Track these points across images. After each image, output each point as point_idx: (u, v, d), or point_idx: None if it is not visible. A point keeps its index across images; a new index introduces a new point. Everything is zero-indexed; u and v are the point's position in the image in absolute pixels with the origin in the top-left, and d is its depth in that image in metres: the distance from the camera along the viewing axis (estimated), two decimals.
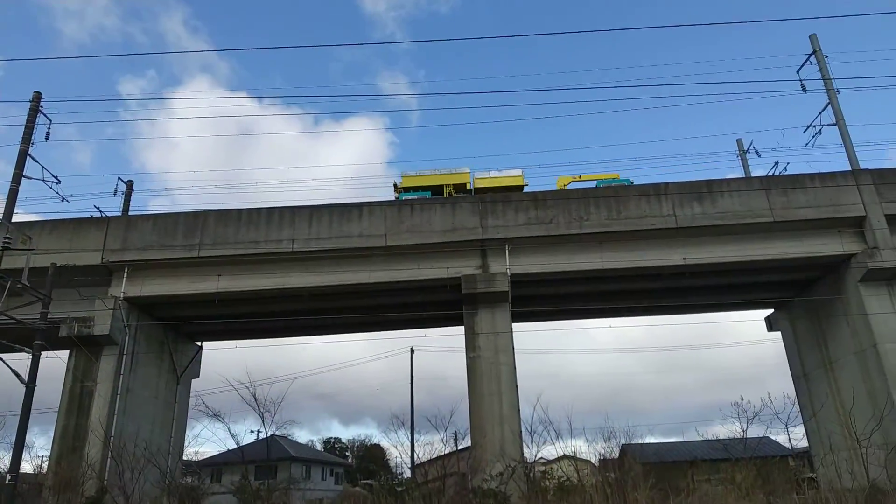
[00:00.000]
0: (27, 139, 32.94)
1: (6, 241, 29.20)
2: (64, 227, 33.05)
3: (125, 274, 32.62)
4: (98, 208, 39.84)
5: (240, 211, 33.05)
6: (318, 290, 32.28)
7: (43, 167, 33.33)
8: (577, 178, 35.71)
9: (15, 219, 34.34)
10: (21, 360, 29.62)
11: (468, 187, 35.45)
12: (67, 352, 32.03)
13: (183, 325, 36.20)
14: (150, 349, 34.11)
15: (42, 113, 33.20)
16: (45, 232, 32.90)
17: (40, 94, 33.33)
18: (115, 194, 39.52)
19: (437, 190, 34.90)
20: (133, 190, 40.06)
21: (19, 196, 32.59)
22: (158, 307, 33.96)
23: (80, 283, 32.16)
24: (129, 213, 39.15)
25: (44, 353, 28.04)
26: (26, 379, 27.94)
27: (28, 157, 32.74)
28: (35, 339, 28.33)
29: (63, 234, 32.79)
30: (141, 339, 33.43)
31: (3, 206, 31.98)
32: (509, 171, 35.84)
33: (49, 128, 33.53)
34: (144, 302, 33.24)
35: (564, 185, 35.47)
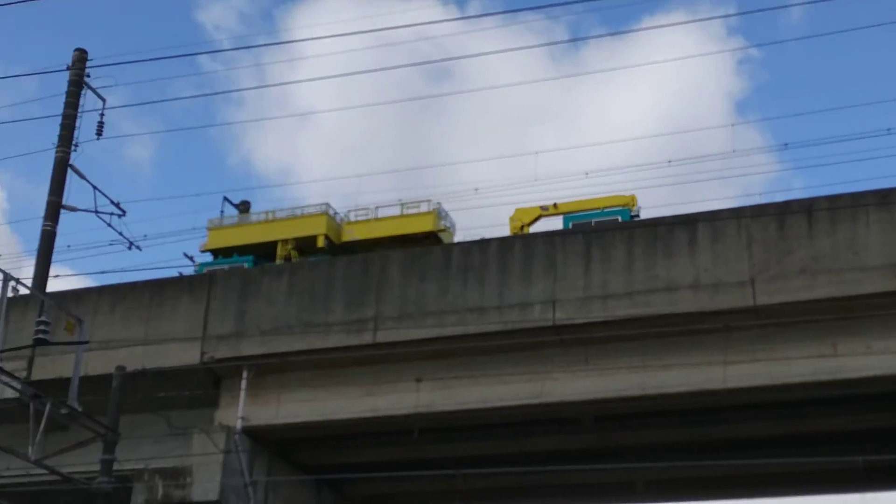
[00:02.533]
0: (67, 139, 23.26)
1: (40, 330, 19.09)
2: (135, 296, 23.12)
3: (243, 384, 21.91)
4: (190, 257, 29.93)
5: (446, 249, 22.00)
6: (615, 406, 20.58)
7: (95, 187, 23.71)
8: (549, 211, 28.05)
9: (51, 286, 24.73)
10: None
11: None
12: None
13: (352, 483, 25.19)
14: None
15: (89, 87, 23.34)
16: (103, 308, 23.00)
17: (85, 52, 23.41)
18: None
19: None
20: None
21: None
22: (305, 447, 23.38)
23: (165, 402, 22.00)
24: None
25: None
26: None
27: (70, 169, 23.04)
28: None
29: (134, 311, 22.92)
30: None
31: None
32: None
33: (102, 115, 23.72)
34: (279, 437, 22.44)
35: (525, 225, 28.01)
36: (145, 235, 31.26)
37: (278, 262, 29.23)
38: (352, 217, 31.13)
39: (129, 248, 30.88)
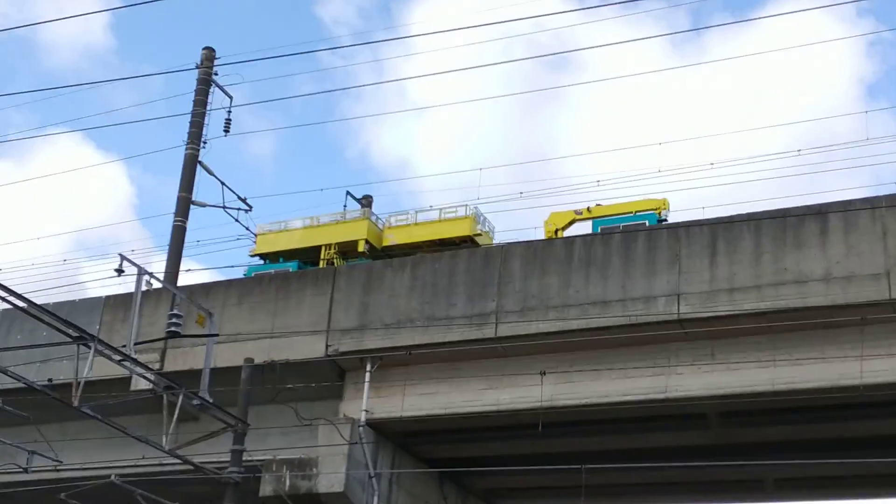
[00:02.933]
0: (196, 136, 23.83)
1: (173, 323, 19.50)
2: (261, 289, 23.42)
3: (367, 376, 22.06)
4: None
5: (567, 242, 21.71)
6: (742, 402, 20.00)
7: (223, 183, 24.12)
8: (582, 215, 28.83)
9: (182, 280, 25.27)
10: None
11: None
12: None
13: (473, 476, 25.17)
14: None
15: (217, 85, 23.89)
16: (231, 301, 23.38)
17: (213, 51, 23.95)
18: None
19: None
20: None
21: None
22: (427, 440, 23.31)
23: (292, 394, 22.23)
24: (368, 259, 28.83)
25: None
26: None
27: (199, 165, 23.61)
28: (225, 497, 19.52)
29: (260, 305, 23.20)
30: (401, 500, 22.83)
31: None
32: None
33: (230, 112, 24.23)
34: (402, 430, 22.44)
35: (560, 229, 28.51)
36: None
37: (322, 266, 29.96)
38: (392, 222, 31.71)
39: (255, 242, 31.49)
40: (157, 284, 20.10)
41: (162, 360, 22.97)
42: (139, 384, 21.90)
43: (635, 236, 20.94)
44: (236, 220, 30.34)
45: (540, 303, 20.83)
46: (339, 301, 22.51)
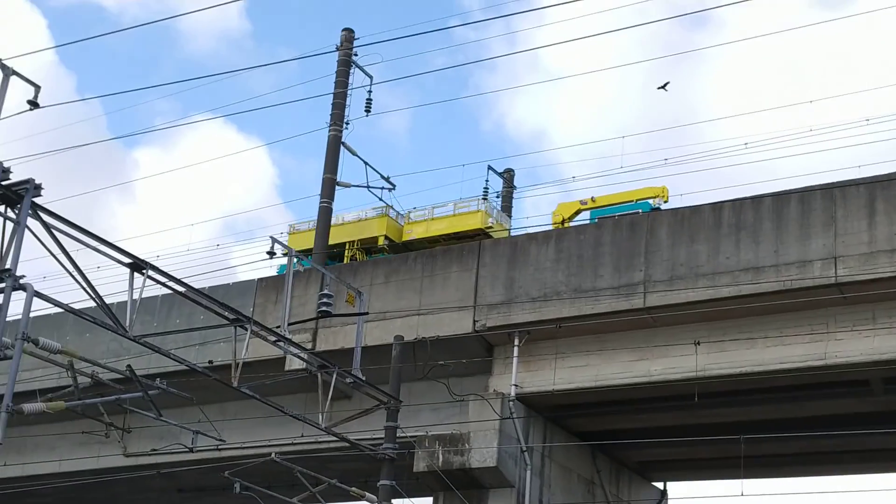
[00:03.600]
0: (339, 117, 24.14)
1: (324, 303, 19.84)
2: (407, 267, 23.60)
3: (515, 351, 22.06)
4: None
5: (716, 208, 21.17)
6: None
7: (366, 163, 24.44)
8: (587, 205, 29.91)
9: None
10: None
11: None
12: (430, 499, 22.47)
13: (626, 449, 24.87)
14: (571, 492, 23.26)
15: (357, 66, 24.14)
16: (378, 280, 23.66)
17: (352, 32, 24.24)
18: (483, 197, 29.63)
19: None
20: (514, 187, 29.96)
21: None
22: (579, 413, 23.12)
23: (441, 370, 22.41)
24: (512, 234, 28.88)
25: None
26: None
27: (343, 147, 23.95)
28: (382, 473, 19.60)
29: (407, 282, 23.39)
30: (554, 473, 22.78)
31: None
32: None
33: (370, 91, 24.48)
34: (553, 403, 22.35)
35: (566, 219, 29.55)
36: (414, 207, 31.86)
37: (345, 262, 31.41)
38: (412, 217, 33.06)
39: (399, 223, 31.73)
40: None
41: (314, 340, 23.36)
42: (293, 364, 22.39)
43: (787, 199, 20.33)
44: (380, 199, 30.69)
45: (689, 271, 20.46)
46: (485, 276, 22.52)
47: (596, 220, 26.67)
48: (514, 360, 21.98)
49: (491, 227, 31.58)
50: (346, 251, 32.76)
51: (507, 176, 35.83)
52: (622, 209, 29.06)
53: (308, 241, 31.38)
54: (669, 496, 27.80)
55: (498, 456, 21.20)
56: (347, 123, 27.26)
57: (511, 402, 21.64)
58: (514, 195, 34.67)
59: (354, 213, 33.44)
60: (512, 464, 21.60)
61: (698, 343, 20.33)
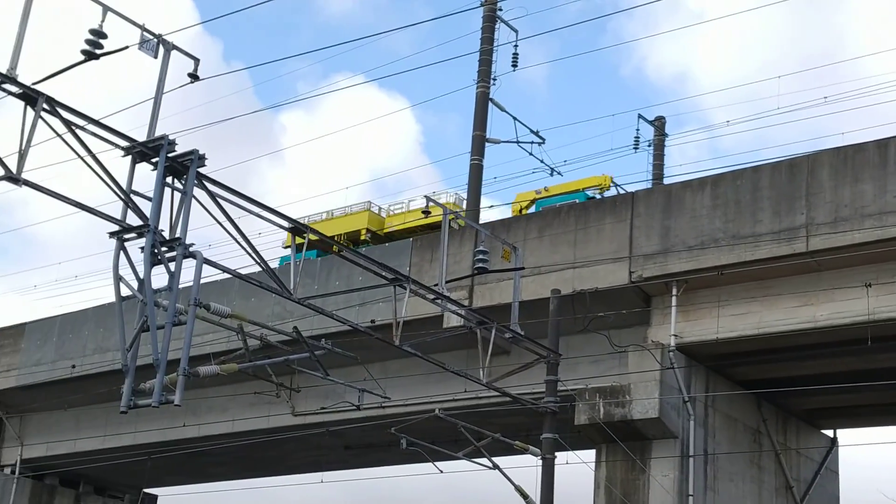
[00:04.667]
0: (486, 73, 24.04)
1: (479, 260, 19.84)
2: (560, 221, 23.38)
3: (673, 300, 21.67)
4: (615, 183, 29.85)
5: (881, 144, 20.16)
6: None
7: (514, 118, 24.36)
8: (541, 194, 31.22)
9: (482, 217, 25.74)
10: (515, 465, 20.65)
11: None
12: (593, 451, 22.33)
13: (793, 397, 24.10)
14: (737, 442, 22.75)
15: (503, 21, 23.98)
16: (531, 235, 23.51)
17: None
18: (635, 148, 29.03)
19: None
20: (666, 134, 29.20)
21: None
22: (742, 361, 22.44)
23: (598, 323, 22.21)
24: (665, 182, 28.29)
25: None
26: (534, 497, 18.97)
27: (490, 103, 23.84)
28: (544, 427, 19.67)
29: (561, 236, 23.17)
30: (718, 423, 22.34)
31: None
32: None
33: (516, 46, 24.28)
34: (714, 353, 21.89)
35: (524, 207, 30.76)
36: (565, 161, 31.79)
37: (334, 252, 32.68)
38: (392, 210, 36.66)
39: (551, 175, 31.65)
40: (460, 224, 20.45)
41: (470, 297, 23.43)
42: (451, 321, 22.56)
43: None
44: (530, 154, 30.58)
45: (854, 212, 19.67)
46: (640, 227, 22.14)
47: (541, 209, 28.12)
48: (673, 309, 21.61)
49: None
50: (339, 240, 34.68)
51: (658, 124, 35.13)
52: (569, 197, 30.23)
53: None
54: (840, 443, 27.02)
55: (660, 407, 20.89)
56: (495, 79, 27.18)
57: (671, 353, 21.30)
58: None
59: (342, 208, 37.23)
60: (674, 414, 21.29)
61: (869, 285, 19.53)
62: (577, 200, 28.91)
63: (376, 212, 36.78)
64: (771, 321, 20.82)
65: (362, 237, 36.21)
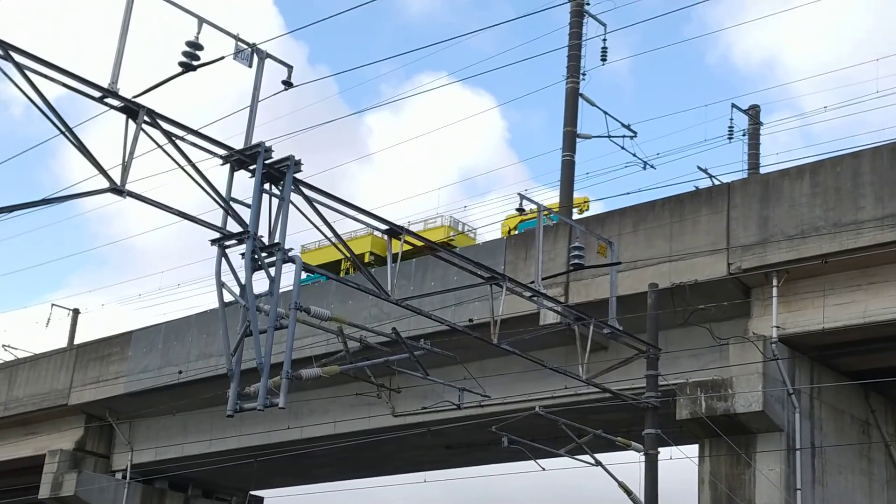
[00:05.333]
0: (575, 69, 23.89)
1: (575, 256, 19.66)
2: (655, 214, 23.02)
3: (774, 291, 21.20)
4: (706, 171, 29.34)
5: None
6: None
7: (605, 112, 24.12)
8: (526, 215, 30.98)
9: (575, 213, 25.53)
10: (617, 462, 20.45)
11: None
12: (696, 447, 21.96)
13: None
14: (845, 434, 22.13)
15: (590, 15, 23.78)
16: (626, 229, 23.21)
17: None
18: (729, 138, 28.47)
19: None
20: (761, 123, 28.62)
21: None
22: (847, 351, 21.84)
23: (697, 316, 21.80)
24: (760, 171, 27.76)
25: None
26: (639, 494, 18.77)
27: (580, 98, 23.69)
28: (645, 422, 19.49)
29: (656, 229, 22.82)
30: (824, 415, 21.77)
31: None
32: None
33: (605, 40, 24.04)
34: (818, 343, 21.33)
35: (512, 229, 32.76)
36: (657, 154, 31.44)
37: (342, 275, 35.95)
38: None
39: (644, 168, 31.20)
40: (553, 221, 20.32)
41: (566, 293, 23.24)
42: (547, 318, 22.42)
43: None
44: (622, 148, 30.22)
45: None
46: (737, 217, 21.70)
47: (523, 231, 27.56)
48: (774, 300, 21.13)
49: (452, 239, 37.68)
50: (342, 265, 39.07)
51: (753, 112, 34.44)
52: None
53: (313, 259, 38.03)
54: None
55: (763, 400, 20.43)
56: (584, 74, 27.00)
57: (774, 344, 20.85)
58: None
59: (347, 234, 39.60)
60: (779, 407, 20.82)
61: None
62: (553, 221, 29.04)
63: (379, 236, 37.00)
64: (877, 309, 20.23)
65: (366, 259, 38.87)
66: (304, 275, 14.22)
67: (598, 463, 19.25)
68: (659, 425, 19.52)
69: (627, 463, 20.18)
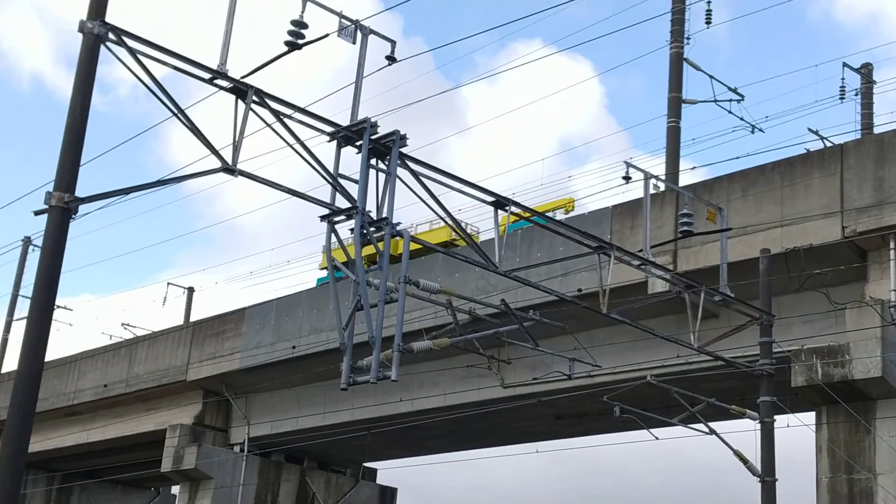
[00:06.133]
0: (679, 34, 23.40)
1: (684, 223, 19.28)
2: (764, 179, 22.44)
3: (892, 254, 20.47)
4: (817, 133, 28.45)
5: None
6: None
7: (711, 77, 23.56)
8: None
9: (682, 180, 25.06)
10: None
11: None
12: (813, 414, 21.43)
13: None
14: None
15: None
16: (735, 195, 22.70)
17: None
18: (841, 98, 27.49)
19: None
20: (874, 81, 27.53)
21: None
22: None
23: (811, 282, 21.22)
24: (874, 132, 26.84)
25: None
26: (754, 461, 18.39)
27: (685, 63, 23.22)
28: (760, 390, 18.96)
29: (766, 194, 22.24)
30: None
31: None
32: None
33: (709, 2, 23.48)
34: None
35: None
36: (766, 116, 30.47)
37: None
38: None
39: (752, 132, 30.35)
40: (661, 187, 19.99)
41: (674, 261, 22.86)
42: (655, 287, 22.09)
43: None
44: (729, 112, 29.45)
45: None
46: (851, 179, 21.02)
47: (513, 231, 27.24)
48: (892, 263, 20.44)
49: (455, 240, 38.03)
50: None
51: (865, 71, 33.24)
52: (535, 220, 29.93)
53: (340, 257, 38.97)
54: None
55: (883, 365, 19.81)
56: (688, 38, 26.37)
57: (892, 308, 20.16)
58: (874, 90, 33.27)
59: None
60: None
61: None
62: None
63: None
64: None
65: (376, 259, 40.12)
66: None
67: (712, 432, 18.90)
68: (774, 393, 19.09)
69: (741, 431, 19.80)
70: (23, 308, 44.44)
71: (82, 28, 11.71)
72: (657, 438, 20.45)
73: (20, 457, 10.95)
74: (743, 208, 22.38)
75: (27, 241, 44.90)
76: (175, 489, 39.67)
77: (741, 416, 19.15)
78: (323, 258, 45.07)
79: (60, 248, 11.42)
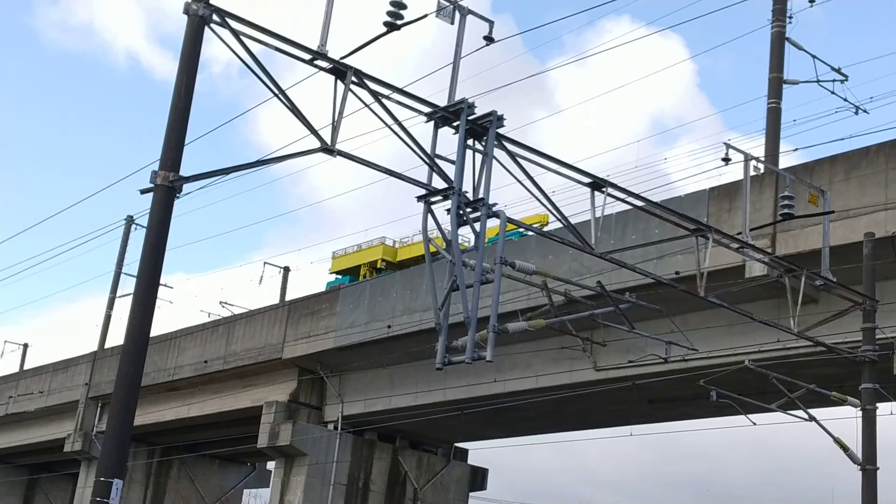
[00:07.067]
0: (781, 12, 22.86)
1: (785, 206, 18.86)
2: (868, 161, 21.72)
3: None
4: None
5: None
6: None
7: (814, 56, 22.94)
8: None
9: (783, 162, 24.48)
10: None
11: None
12: None
13: None
14: None
15: None
16: (837, 177, 22.09)
17: None
18: None
19: None
20: None
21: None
22: None
23: None
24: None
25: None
26: (855, 449, 17.99)
27: (787, 42, 22.70)
28: (862, 377, 18.54)
29: (869, 177, 21.53)
30: None
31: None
32: None
33: None
34: None
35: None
36: (871, 97, 29.40)
37: (360, 279, 43.28)
38: (405, 242, 47.65)
39: (856, 113, 29.36)
40: (760, 169, 19.53)
41: (773, 245, 22.34)
42: (753, 270, 21.65)
43: None
44: (832, 93, 28.58)
45: None
46: None
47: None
48: None
49: (385, 263, 44.48)
50: (362, 270, 47.04)
51: None
52: (516, 234, 31.31)
53: (341, 265, 48.76)
54: None
55: None
56: (790, 17, 25.66)
57: None
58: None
59: (368, 241, 48.69)
60: None
61: None
62: (514, 239, 29.36)
63: (390, 244, 48.11)
64: None
65: (378, 265, 46.27)
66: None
67: (812, 418, 18.49)
68: (876, 380, 18.60)
69: (841, 418, 19.36)
70: (125, 286, 45.55)
71: (187, 10, 11.89)
72: (755, 424, 20.08)
73: (126, 428, 11.22)
74: (846, 191, 21.75)
75: (130, 220, 45.99)
76: (270, 465, 40.34)
77: (842, 403, 18.70)
78: (333, 262, 49.65)
79: (165, 226, 11.64)
